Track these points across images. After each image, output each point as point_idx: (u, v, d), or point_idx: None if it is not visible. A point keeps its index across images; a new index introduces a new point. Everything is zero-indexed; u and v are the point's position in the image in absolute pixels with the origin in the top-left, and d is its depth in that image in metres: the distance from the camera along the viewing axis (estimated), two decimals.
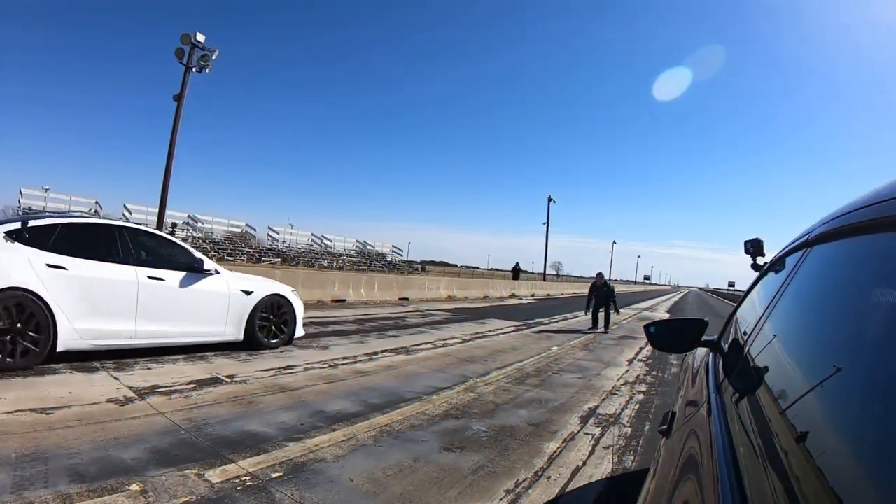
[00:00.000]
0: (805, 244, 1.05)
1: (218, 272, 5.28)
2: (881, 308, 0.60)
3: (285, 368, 4.86)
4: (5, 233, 4.02)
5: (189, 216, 33.49)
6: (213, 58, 14.60)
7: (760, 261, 1.87)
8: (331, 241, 41.45)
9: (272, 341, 5.67)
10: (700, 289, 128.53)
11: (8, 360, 3.78)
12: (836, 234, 0.85)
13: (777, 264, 1.37)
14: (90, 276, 4.26)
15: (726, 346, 1.49)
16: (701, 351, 1.95)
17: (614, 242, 74.63)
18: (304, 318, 6.36)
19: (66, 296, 4.10)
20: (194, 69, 14.42)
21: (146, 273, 4.65)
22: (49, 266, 4.05)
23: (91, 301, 4.25)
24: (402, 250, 47.54)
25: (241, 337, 5.39)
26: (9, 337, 3.81)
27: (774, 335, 0.99)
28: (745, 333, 1.28)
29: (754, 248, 1.91)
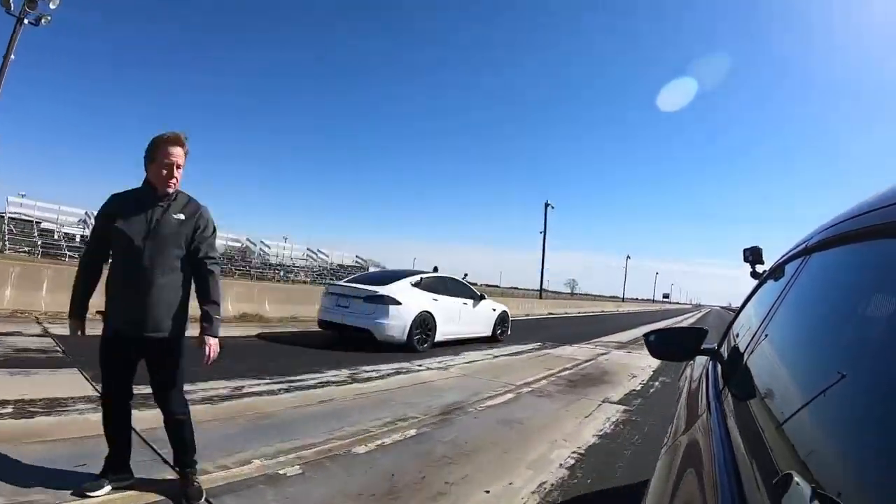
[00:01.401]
0: (804, 251, 1.05)
1: (485, 298, 9.75)
2: (880, 314, 0.60)
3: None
4: (411, 283, 8.05)
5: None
6: (52, 6, 12.64)
7: (759, 269, 1.87)
8: (327, 256, 41.50)
9: (501, 337, 10.04)
10: (723, 307, 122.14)
11: (418, 347, 7.60)
12: (835, 241, 0.85)
13: (776, 272, 1.37)
14: (445, 304, 8.36)
15: (726, 353, 1.49)
16: (701, 359, 1.95)
17: (628, 257, 69.41)
18: None
19: (439, 314, 8.11)
20: (27, 21, 12.45)
21: (461, 301, 8.95)
22: (433, 300, 8.15)
23: (446, 316, 8.32)
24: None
25: (489, 334, 9.70)
26: (420, 335, 7.72)
27: (773, 342, 0.99)
28: (744, 341, 1.28)
29: (753, 256, 1.91)
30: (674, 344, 1.79)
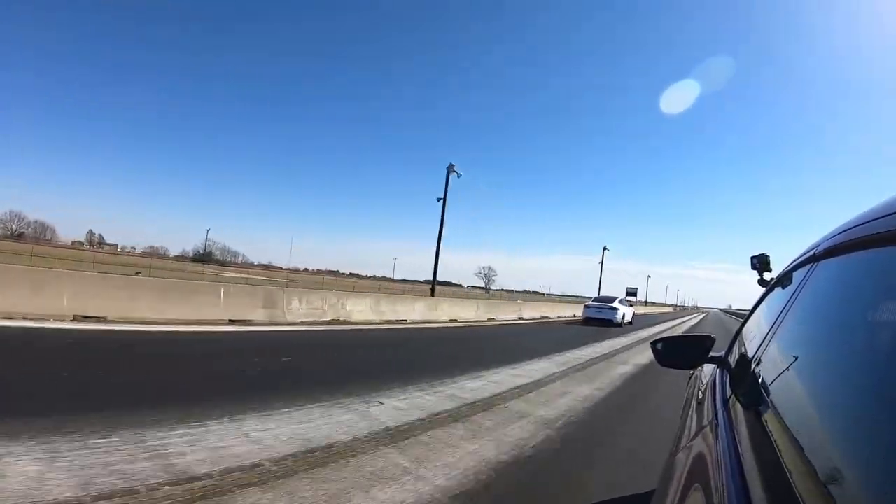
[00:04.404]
0: (812, 259, 1.04)
1: (632, 305, 27.10)
2: (889, 322, 0.59)
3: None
4: (619, 301, 22.04)
5: None
6: None
7: (767, 276, 1.86)
8: None
9: (631, 324, 22.62)
10: (721, 310, 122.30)
11: (622, 326, 20.75)
12: (844, 248, 0.84)
13: (784, 279, 1.36)
14: (625, 308, 22.44)
15: (733, 362, 1.48)
16: (708, 367, 1.93)
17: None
18: None
19: (625, 312, 21.95)
20: None
21: (627, 306, 23.25)
22: (623, 306, 22.00)
23: (627, 313, 22.25)
24: None
25: (630, 321, 22.97)
26: (622, 321, 21.18)
27: (781, 351, 0.98)
28: (752, 349, 1.27)
29: (761, 263, 1.91)
30: (681, 352, 1.78)
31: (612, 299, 22.18)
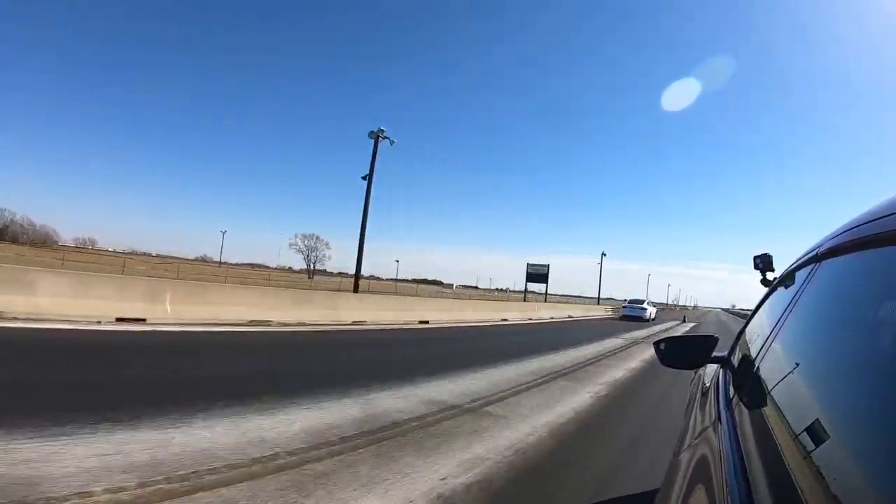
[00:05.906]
0: (814, 258, 1.04)
1: (655, 305, 40.20)
2: (891, 322, 0.59)
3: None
4: (648, 302, 33.79)
5: None
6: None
7: (770, 276, 1.85)
8: None
9: (654, 319, 31.58)
10: (724, 309, 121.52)
11: (650, 320, 29.90)
12: (847, 247, 0.84)
13: (786, 279, 1.36)
14: (651, 307, 32.93)
15: (736, 362, 1.48)
16: (712, 367, 1.93)
17: None
18: None
19: (651, 310, 31.97)
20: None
21: (653, 305, 35.03)
22: (649, 306, 32.61)
23: (653, 311, 33.26)
24: None
25: (654, 318, 31.67)
26: (650, 316, 31.55)
27: (784, 351, 0.98)
28: (755, 349, 1.27)
29: (763, 263, 1.90)
30: (684, 352, 1.78)
31: (642, 301, 32.47)
